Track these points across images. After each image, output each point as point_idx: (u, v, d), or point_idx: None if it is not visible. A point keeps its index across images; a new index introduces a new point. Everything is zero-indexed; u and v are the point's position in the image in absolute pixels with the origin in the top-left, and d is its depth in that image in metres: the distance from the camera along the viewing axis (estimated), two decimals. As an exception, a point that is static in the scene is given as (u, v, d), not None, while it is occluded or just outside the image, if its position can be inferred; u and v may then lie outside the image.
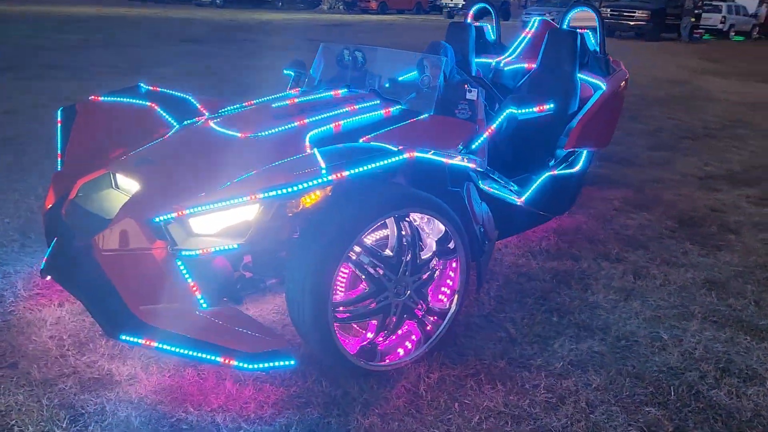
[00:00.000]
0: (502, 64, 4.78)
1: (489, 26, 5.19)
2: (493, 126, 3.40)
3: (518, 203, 3.61)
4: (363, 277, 2.58)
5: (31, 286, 3.37)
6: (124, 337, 2.53)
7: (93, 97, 3.57)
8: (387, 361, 2.70)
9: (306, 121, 3.17)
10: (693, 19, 23.85)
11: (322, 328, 2.43)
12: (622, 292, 3.49)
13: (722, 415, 2.52)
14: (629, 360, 2.86)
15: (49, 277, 3.05)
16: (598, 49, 4.63)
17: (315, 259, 2.36)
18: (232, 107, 3.73)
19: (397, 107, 3.44)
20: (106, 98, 3.55)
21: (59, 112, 3.51)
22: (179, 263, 2.56)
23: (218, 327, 2.51)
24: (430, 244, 2.77)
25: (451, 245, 2.78)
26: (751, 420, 2.50)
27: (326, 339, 2.46)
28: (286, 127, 3.10)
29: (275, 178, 2.39)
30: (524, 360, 2.83)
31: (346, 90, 3.67)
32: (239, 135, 3.03)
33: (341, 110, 3.32)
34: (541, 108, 3.43)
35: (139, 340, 2.51)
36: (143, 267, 2.57)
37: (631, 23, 23.49)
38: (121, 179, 3.01)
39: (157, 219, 2.54)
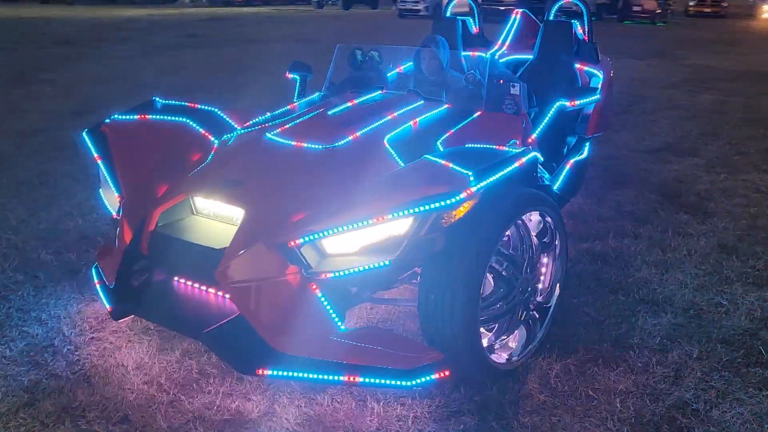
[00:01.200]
0: (497, 56, 4.91)
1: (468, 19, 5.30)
2: (547, 119, 3.53)
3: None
4: (492, 279, 2.61)
5: (79, 331, 3.06)
6: (260, 372, 2.39)
7: (117, 116, 3.28)
8: (510, 359, 2.75)
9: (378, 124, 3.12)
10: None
11: (471, 337, 2.44)
12: (660, 266, 3.76)
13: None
14: (707, 327, 3.12)
15: (126, 318, 2.80)
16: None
17: (464, 269, 2.36)
18: (263, 117, 3.56)
19: (444, 107, 3.45)
20: (129, 116, 3.27)
21: (86, 135, 3.19)
22: (314, 287, 2.45)
23: (363, 348, 2.43)
24: (534, 239, 2.84)
25: (547, 239, 2.88)
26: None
27: (475, 347, 2.47)
28: (361, 133, 3.03)
29: (422, 190, 2.34)
30: (622, 340, 3.00)
31: (379, 93, 3.62)
32: (318, 147, 2.92)
33: (400, 112, 3.29)
34: (574, 103, 3.60)
35: (278, 372, 2.39)
36: (278, 295, 2.43)
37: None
38: (205, 203, 2.80)
39: (292, 243, 2.40)
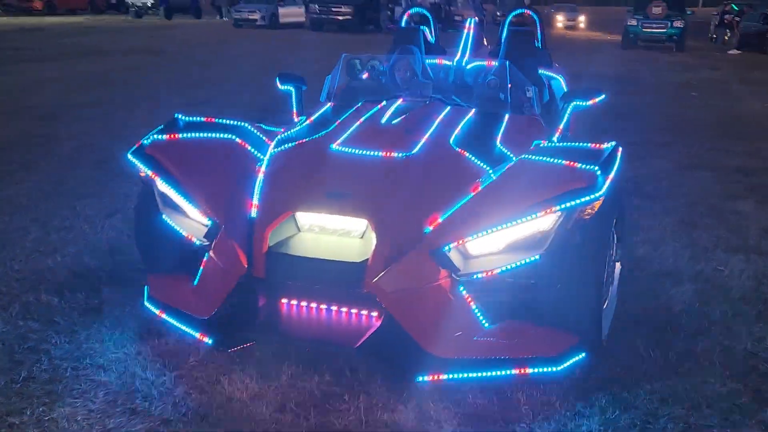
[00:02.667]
0: (463, 63, 5.16)
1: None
2: (565, 119, 3.85)
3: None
4: None
5: (156, 371, 2.80)
6: (421, 379, 2.42)
7: (156, 136, 3.05)
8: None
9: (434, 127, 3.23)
10: (389, 13, 26.68)
11: (598, 319, 2.67)
12: (650, 244, 4.28)
13: None
14: (724, 288, 3.65)
15: (246, 344, 2.64)
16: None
17: (596, 257, 2.58)
18: (296, 130, 3.50)
19: (472, 111, 3.63)
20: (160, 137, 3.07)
21: (132, 157, 2.94)
22: (461, 288, 2.51)
23: (508, 342, 2.55)
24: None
25: None
26: None
27: (600, 328, 2.70)
28: (428, 138, 3.12)
29: (561, 186, 2.50)
30: (670, 308, 3.40)
31: (399, 101, 3.71)
32: (401, 155, 2.96)
33: (442, 117, 3.41)
34: (594, 100, 3.97)
35: (439, 376, 2.43)
36: (432, 300, 2.46)
37: (340, 18, 25.23)
38: (308, 218, 2.72)
39: (446, 248, 2.44)
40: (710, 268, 3.92)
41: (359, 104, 3.72)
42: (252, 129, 3.39)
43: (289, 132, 3.49)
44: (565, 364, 2.53)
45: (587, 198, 2.44)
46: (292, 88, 4.33)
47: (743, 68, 16.86)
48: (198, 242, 2.82)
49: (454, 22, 30.54)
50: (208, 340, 2.66)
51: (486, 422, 2.49)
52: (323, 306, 2.58)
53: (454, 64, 5.20)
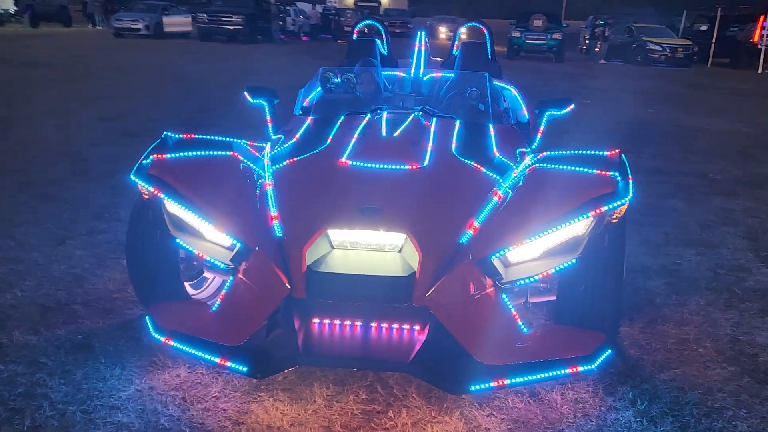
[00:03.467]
0: (420, 75, 5.22)
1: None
2: (542, 129, 4.01)
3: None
4: None
5: (178, 405, 2.63)
6: (474, 388, 2.44)
7: (156, 156, 2.88)
8: None
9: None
10: (281, 23, 26.43)
11: (618, 315, 2.82)
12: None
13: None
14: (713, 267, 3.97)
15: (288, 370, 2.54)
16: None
17: (620, 257, 2.73)
18: (287, 146, 3.42)
19: (457, 122, 3.71)
20: (172, 154, 2.91)
21: (135, 178, 2.76)
22: (504, 296, 2.57)
23: (547, 344, 2.63)
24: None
25: None
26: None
27: (618, 323, 2.86)
28: (432, 150, 3.16)
29: (590, 192, 2.62)
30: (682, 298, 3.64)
31: (384, 112, 3.72)
32: (409, 167, 2.98)
33: (434, 128, 3.46)
34: (570, 108, 4.16)
35: (490, 384, 2.46)
36: (481, 309, 2.49)
37: (230, 27, 24.64)
38: (340, 235, 2.66)
39: (493, 257, 2.48)
40: (669, 262, 4.24)
41: (341, 117, 3.68)
42: (244, 145, 3.27)
43: (281, 147, 3.40)
44: (599, 361, 2.65)
45: (618, 203, 2.58)
46: (264, 102, 4.21)
47: (618, 77, 18.35)
48: (223, 266, 2.68)
49: (344, 33, 30.86)
50: (241, 368, 2.52)
51: (532, 426, 2.55)
52: (368, 323, 2.54)
53: (411, 76, 5.29)
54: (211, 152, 3.01)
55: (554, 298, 2.87)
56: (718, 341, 3.24)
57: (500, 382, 2.48)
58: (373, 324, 2.54)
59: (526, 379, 2.52)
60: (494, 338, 2.51)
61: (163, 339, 2.74)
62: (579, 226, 2.59)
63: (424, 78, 5.23)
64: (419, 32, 5.58)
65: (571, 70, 19.87)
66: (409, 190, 2.83)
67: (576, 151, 3.05)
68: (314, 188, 2.89)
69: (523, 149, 3.70)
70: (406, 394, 2.71)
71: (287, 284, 2.47)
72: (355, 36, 5.62)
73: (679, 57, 22.44)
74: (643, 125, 9.72)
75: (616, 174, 2.71)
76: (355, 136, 3.32)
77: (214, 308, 2.73)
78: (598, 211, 2.55)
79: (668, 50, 22.54)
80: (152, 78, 13.56)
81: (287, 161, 3.16)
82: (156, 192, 2.73)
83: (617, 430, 2.53)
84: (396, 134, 3.33)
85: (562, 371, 2.56)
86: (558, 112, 4.12)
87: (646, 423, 2.57)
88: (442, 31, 38.37)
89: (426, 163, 3.04)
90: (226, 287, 2.71)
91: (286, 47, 24.49)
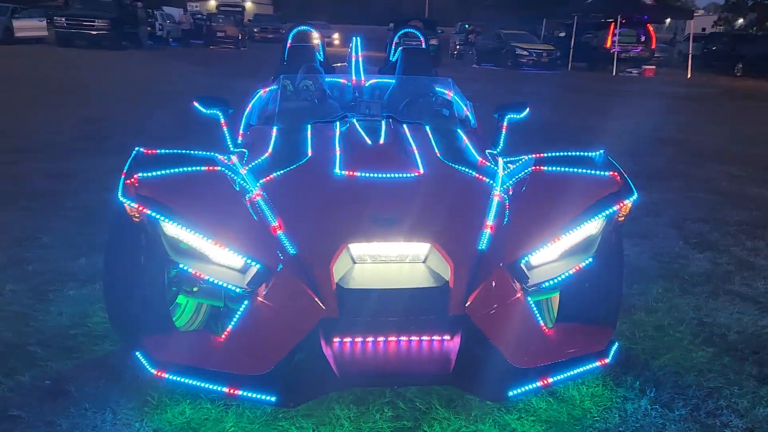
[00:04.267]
0: (362, 82, 5.12)
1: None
2: (504, 130, 4.07)
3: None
4: None
5: None
6: (512, 393, 2.44)
7: (141, 174, 2.60)
8: None
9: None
10: (149, 28, 25.09)
11: (619, 309, 2.93)
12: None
13: None
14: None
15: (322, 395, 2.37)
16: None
17: (621, 252, 2.85)
18: (263, 157, 3.24)
19: (427, 126, 3.69)
20: (154, 172, 2.65)
21: (123, 197, 2.49)
22: (529, 299, 2.58)
23: (566, 342, 2.67)
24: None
25: None
26: None
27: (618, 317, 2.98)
28: (423, 157, 3.13)
29: (598, 192, 2.69)
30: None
31: (353, 120, 3.64)
32: (412, 174, 2.93)
33: (410, 134, 3.43)
34: (526, 111, 4.25)
35: (527, 387, 2.47)
36: (513, 313, 2.48)
37: (93, 32, 23.03)
38: (368, 248, 2.55)
39: (522, 261, 2.48)
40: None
41: (309, 126, 3.55)
42: (219, 158, 3.05)
43: (258, 159, 3.21)
44: (612, 354, 2.73)
45: (626, 201, 2.68)
46: (218, 112, 3.96)
47: (496, 80, 19.29)
48: (239, 290, 2.47)
49: (216, 39, 29.92)
50: (268, 398, 2.34)
51: (563, 425, 2.58)
52: (404, 338, 2.45)
53: (355, 83, 5.21)
54: (194, 167, 2.77)
55: (556, 295, 2.94)
56: (689, 325, 3.48)
57: (544, 382, 2.48)
58: (409, 338, 2.46)
59: (559, 378, 2.55)
60: (526, 341, 2.52)
61: (162, 374, 2.49)
62: (592, 226, 2.66)
63: (366, 84, 5.20)
64: (354, 38, 5.53)
65: (451, 74, 20.52)
66: (419, 198, 2.77)
67: (563, 153, 3.13)
68: (318, 201, 2.76)
69: (490, 151, 3.76)
70: (430, 407, 2.64)
71: (321, 304, 2.32)
72: (289, 44, 5.44)
73: (544, 61, 24.01)
74: (550, 127, 10.23)
75: (617, 173, 2.82)
76: (338, 145, 3.21)
77: (222, 336, 2.51)
78: (609, 210, 2.64)
79: (535, 55, 24.05)
80: (22, 87, 12.35)
81: (272, 174, 2.99)
82: (152, 214, 2.47)
83: (639, 419, 2.63)
84: (381, 142, 3.26)
85: (591, 365, 2.61)
86: (517, 116, 4.24)
87: (661, 409, 2.70)
88: (315, 37, 37.97)
89: (422, 169, 3.00)
90: (239, 312, 2.50)
91: (157, 53, 23.36)
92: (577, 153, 3.10)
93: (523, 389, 2.45)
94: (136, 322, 2.68)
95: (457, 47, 29.85)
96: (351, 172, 2.92)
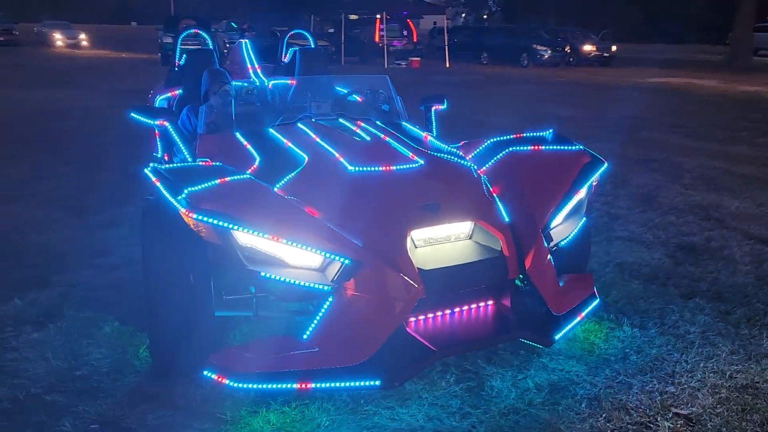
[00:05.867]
0: (266, 83, 5.04)
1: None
2: (434, 121, 4.43)
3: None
4: None
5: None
6: (556, 337, 2.89)
7: (189, 189, 2.56)
8: None
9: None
10: None
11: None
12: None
13: None
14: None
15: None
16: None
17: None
18: (258, 161, 3.26)
19: (377, 121, 3.95)
20: (201, 185, 2.62)
21: (203, 216, 2.44)
22: (551, 257, 3.03)
23: (573, 289, 3.16)
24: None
25: None
26: None
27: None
28: (404, 149, 3.41)
29: (578, 164, 3.21)
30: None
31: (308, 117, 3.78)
32: (417, 163, 3.19)
33: (377, 128, 3.68)
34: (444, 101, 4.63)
35: (564, 331, 2.93)
36: (550, 271, 2.91)
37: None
38: (424, 232, 2.80)
39: (550, 225, 2.93)
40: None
41: (271, 129, 3.60)
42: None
43: (252, 166, 3.21)
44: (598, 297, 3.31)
45: (602, 168, 3.25)
46: (166, 123, 3.74)
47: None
48: (324, 287, 2.54)
49: None
50: (372, 383, 2.48)
51: (584, 358, 3.08)
52: (477, 305, 2.75)
53: (258, 83, 5.19)
54: (234, 177, 2.75)
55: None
56: (611, 266, 4.25)
57: (573, 323, 2.95)
58: (478, 305, 2.77)
59: (579, 320, 3.04)
60: (558, 293, 2.97)
61: (248, 386, 2.50)
62: (583, 192, 3.20)
63: (269, 86, 5.23)
64: (243, 42, 5.48)
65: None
66: (437, 183, 3.05)
67: (529, 134, 3.62)
68: (347, 197, 2.88)
69: (430, 136, 4.15)
70: (479, 367, 2.95)
71: (417, 286, 2.52)
72: (179, 47, 5.20)
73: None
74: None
75: (581, 146, 3.40)
76: (326, 144, 3.32)
77: (305, 337, 2.58)
78: (592, 177, 3.21)
79: (312, 51, 24.71)
80: None
81: (282, 179, 3.03)
82: (223, 224, 2.43)
83: (631, 342, 3.22)
84: (368, 138, 3.45)
85: (594, 304, 3.14)
86: (442, 106, 4.65)
87: (640, 331, 3.34)
88: (59, 38, 34.35)
89: (420, 159, 3.27)
90: (324, 309, 2.57)
91: None
92: (531, 134, 3.64)
93: (562, 332, 2.91)
94: (200, 341, 2.62)
95: (227, 46, 29.29)
96: (362, 168, 3.08)
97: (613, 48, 27.79)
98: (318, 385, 2.49)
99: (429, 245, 2.83)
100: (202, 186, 2.56)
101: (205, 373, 2.57)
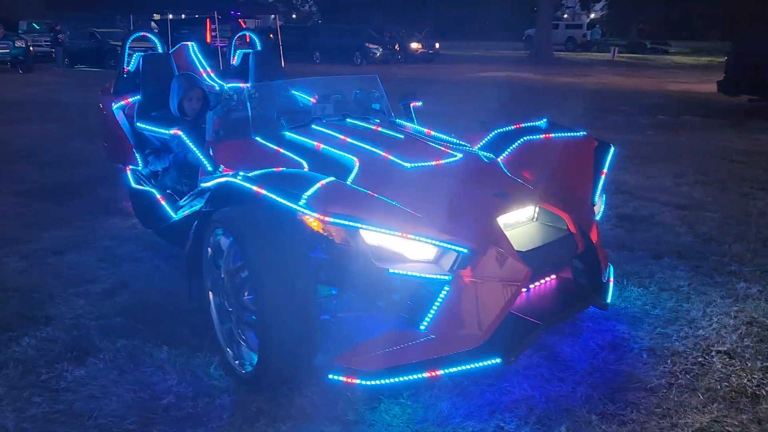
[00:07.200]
0: (225, 87, 4.76)
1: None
2: (413, 117, 4.56)
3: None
4: None
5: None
6: (609, 301, 3.26)
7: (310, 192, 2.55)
8: None
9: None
10: None
11: None
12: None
13: None
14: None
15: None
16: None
17: None
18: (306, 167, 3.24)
19: (377, 120, 4.04)
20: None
21: (337, 217, 2.46)
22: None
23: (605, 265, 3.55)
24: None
25: None
26: None
27: None
28: (434, 145, 3.58)
29: (590, 148, 3.58)
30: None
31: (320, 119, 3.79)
32: (456, 156, 3.36)
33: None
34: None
35: (610, 293, 3.31)
36: (600, 241, 3.25)
37: None
38: (507, 217, 3.00)
39: (595, 201, 3.27)
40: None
41: (289, 132, 3.57)
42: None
43: (306, 167, 3.18)
44: None
45: (612, 150, 3.64)
46: (180, 132, 3.48)
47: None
48: (448, 277, 2.63)
49: None
50: (494, 361, 2.63)
51: (629, 341, 3.44)
52: (560, 277, 3.06)
53: (219, 88, 4.96)
54: (326, 180, 2.74)
55: None
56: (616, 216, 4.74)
57: (611, 281, 3.36)
58: (563, 276, 3.05)
59: (611, 283, 3.43)
60: (605, 260, 3.32)
61: (377, 382, 2.55)
62: (605, 171, 3.57)
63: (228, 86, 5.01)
64: (190, 45, 5.20)
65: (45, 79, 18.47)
66: (492, 173, 3.27)
67: (529, 123, 3.93)
68: (429, 191, 2.97)
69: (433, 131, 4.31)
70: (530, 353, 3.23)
71: (526, 267, 2.72)
72: (128, 51, 4.76)
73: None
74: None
75: (584, 131, 3.79)
76: (367, 144, 3.36)
77: (422, 327, 2.66)
78: (607, 158, 3.59)
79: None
80: None
81: (348, 178, 3.05)
82: (353, 225, 2.45)
83: (662, 300, 3.69)
84: (399, 135, 3.56)
85: (612, 270, 3.56)
86: (419, 103, 4.77)
87: (682, 271, 3.85)
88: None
89: (456, 153, 3.44)
90: (441, 299, 2.65)
91: None
92: (530, 123, 3.97)
93: (609, 296, 3.28)
94: (313, 346, 2.62)
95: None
96: (418, 164, 3.19)
97: (437, 45, 29.63)
98: (446, 371, 2.60)
99: (513, 228, 3.04)
100: (314, 190, 2.53)
101: (330, 376, 2.56)
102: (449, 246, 2.65)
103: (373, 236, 2.54)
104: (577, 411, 2.66)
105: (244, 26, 26.47)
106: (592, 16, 62.63)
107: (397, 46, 27.56)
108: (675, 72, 23.80)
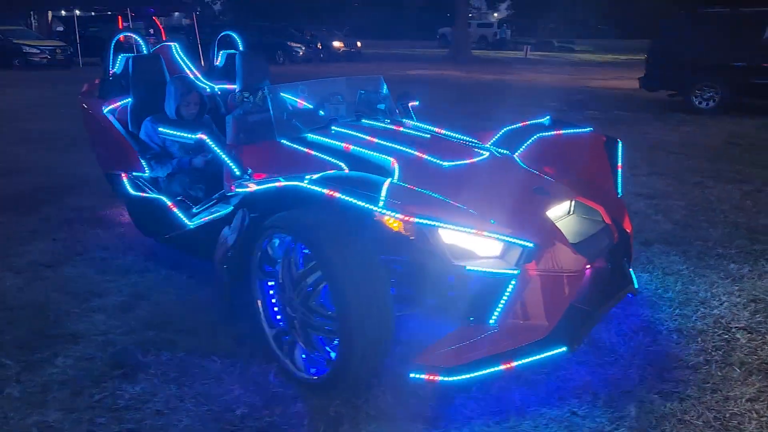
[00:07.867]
0: (216, 89, 4.60)
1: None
2: (412, 114, 4.58)
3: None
4: None
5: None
6: (637, 286, 3.45)
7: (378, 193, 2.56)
8: None
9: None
10: None
11: None
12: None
13: None
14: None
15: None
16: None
17: None
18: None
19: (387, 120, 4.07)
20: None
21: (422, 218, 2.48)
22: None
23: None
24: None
25: None
26: None
27: None
28: (462, 144, 3.66)
29: (600, 142, 3.77)
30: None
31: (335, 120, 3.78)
32: (483, 156, 3.45)
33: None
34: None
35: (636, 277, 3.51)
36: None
37: None
38: (551, 212, 3.08)
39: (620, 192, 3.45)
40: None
41: (311, 135, 3.55)
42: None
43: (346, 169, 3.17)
44: None
45: (620, 145, 3.83)
46: (204, 136, 3.34)
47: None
48: (513, 271, 2.70)
49: None
50: (560, 350, 2.73)
51: (656, 324, 3.69)
52: (605, 265, 3.20)
53: (209, 89, 4.83)
54: (395, 180, 2.76)
55: None
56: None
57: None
58: (606, 266, 3.19)
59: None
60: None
61: (459, 377, 2.60)
62: (620, 165, 3.75)
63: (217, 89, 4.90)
64: (173, 45, 5.02)
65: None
66: (525, 169, 3.38)
67: (536, 120, 4.07)
68: (473, 189, 3.03)
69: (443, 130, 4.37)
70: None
71: (585, 258, 2.84)
72: (112, 52, 4.50)
73: (60, 59, 22.13)
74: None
75: (591, 128, 3.98)
76: (394, 144, 3.38)
77: (491, 322, 2.72)
78: (618, 151, 3.78)
79: (48, 53, 21.91)
80: None
81: (394, 177, 3.07)
82: (429, 223, 2.49)
83: (671, 283, 3.92)
84: (425, 135, 3.61)
85: None
86: (416, 102, 4.80)
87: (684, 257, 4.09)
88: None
89: (484, 151, 3.53)
90: (508, 293, 2.72)
91: None
92: (535, 120, 4.12)
93: (636, 282, 3.47)
94: (390, 346, 2.64)
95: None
96: (455, 163, 3.25)
97: (359, 44, 29.71)
98: (519, 362, 2.68)
99: (556, 222, 3.15)
100: (386, 191, 2.53)
101: (411, 375, 2.58)
102: (517, 241, 2.72)
103: (449, 234, 2.58)
104: (637, 392, 2.81)
105: (159, 25, 25.69)
106: (496, 15, 64.83)
107: (319, 45, 27.41)
108: (589, 69, 25.01)
